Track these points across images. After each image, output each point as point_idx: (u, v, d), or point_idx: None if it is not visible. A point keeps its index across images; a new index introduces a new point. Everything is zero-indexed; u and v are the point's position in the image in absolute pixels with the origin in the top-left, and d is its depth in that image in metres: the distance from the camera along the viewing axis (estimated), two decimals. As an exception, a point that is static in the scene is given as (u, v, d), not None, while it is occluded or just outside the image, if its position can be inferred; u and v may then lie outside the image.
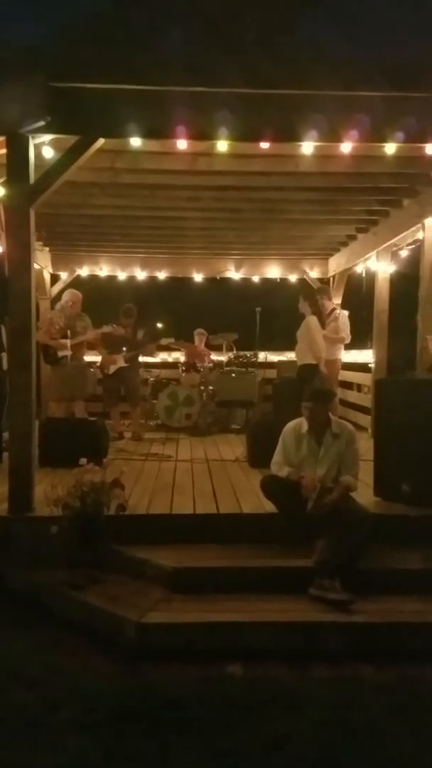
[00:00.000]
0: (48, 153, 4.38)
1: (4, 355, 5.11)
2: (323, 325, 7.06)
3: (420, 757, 2.50)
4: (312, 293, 7.39)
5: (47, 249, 9.04)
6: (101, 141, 4.15)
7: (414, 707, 2.87)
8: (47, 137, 4.22)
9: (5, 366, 4.83)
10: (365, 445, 4.76)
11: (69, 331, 6.88)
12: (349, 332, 7.67)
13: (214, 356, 9.34)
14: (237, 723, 2.69)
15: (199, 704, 2.82)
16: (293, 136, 4.08)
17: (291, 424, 4.25)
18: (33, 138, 4.08)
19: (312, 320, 6.89)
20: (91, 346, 7.70)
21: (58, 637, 3.39)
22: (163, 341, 9.07)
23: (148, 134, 4.12)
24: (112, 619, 3.38)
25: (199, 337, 9.29)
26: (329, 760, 2.47)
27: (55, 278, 9.70)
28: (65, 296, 7.38)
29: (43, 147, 4.34)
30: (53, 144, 4.36)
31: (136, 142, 4.36)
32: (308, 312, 6.92)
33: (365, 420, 7.83)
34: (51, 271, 9.49)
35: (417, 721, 2.76)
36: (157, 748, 2.51)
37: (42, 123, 3.89)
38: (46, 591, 3.69)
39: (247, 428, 6.99)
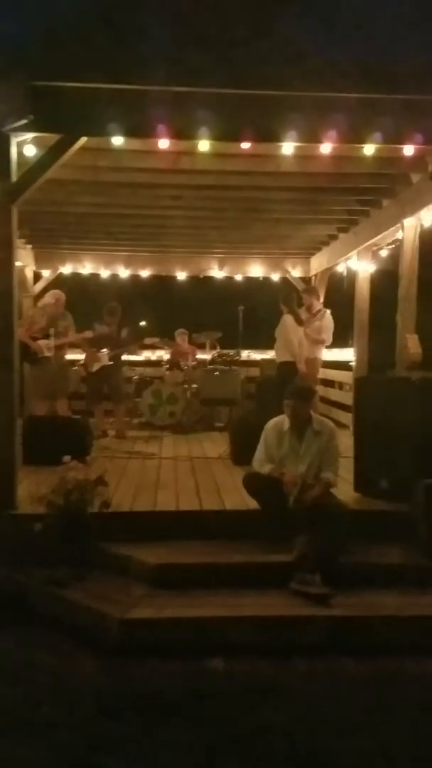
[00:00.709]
0: (30, 151, 4.38)
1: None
2: (301, 323, 7.14)
3: (397, 749, 2.55)
4: (289, 296, 7.47)
5: (30, 247, 9.00)
6: (84, 140, 4.17)
7: (392, 700, 2.93)
8: (29, 135, 4.21)
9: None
10: (346, 442, 4.83)
11: (51, 330, 6.83)
12: (331, 335, 7.76)
13: (199, 354, 9.37)
14: (218, 716, 2.73)
15: (181, 698, 2.85)
16: (272, 136, 4.13)
17: (273, 422, 4.30)
18: (15, 136, 4.09)
19: (287, 319, 6.99)
20: (75, 345, 7.67)
21: (42, 635, 3.40)
22: (147, 340, 9.10)
23: (129, 133, 4.14)
24: (96, 615, 3.40)
25: (181, 337, 9.32)
26: (307, 752, 2.51)
27: (37, 276, 9.67)
28: (47, 297, 7.33)
29: (26, 145, 4.33)
30: (36, 142, 4.36)
31: (118, 140, 4.38)
32: (285, 311, 7.03)
33: (346, 417, 7.90)
34: (34, 268, 9.45)
35: (394, 713, 2.81)
36: (140, 742, 2.54)
37: (24, 121, 3.90)
38: (29, 589, 3.70)
39: (230, 426, 7.03)
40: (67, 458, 4.08)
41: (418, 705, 2.89)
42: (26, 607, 3.63)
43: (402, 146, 4.44)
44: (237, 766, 2.42)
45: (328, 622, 3.39)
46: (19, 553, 3.85)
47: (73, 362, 7.97)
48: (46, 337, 6.80)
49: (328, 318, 7.78)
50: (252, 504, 4.27)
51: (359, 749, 2.54)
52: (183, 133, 4.12)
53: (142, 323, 8.81)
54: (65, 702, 2.80)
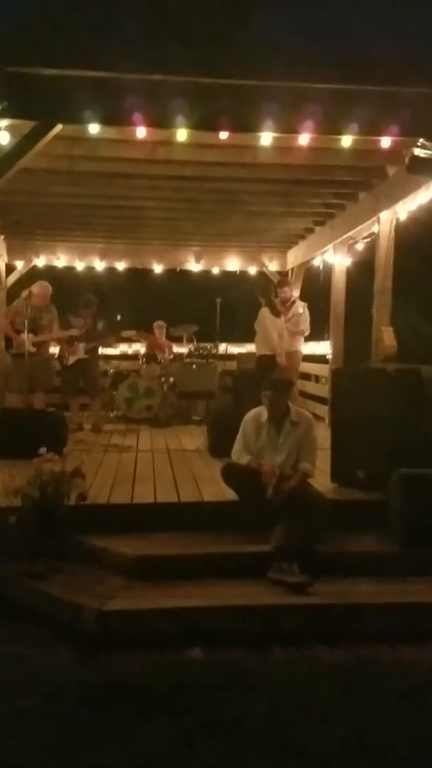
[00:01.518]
0: (4, 139, 4.30)
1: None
2: (279, 315, 7.16)
3: (373, 735, 2.57)
4: (266, 288, 7.48)
5: (2, 237, 8.86)
6: (59, 127, 4.11)
7: (368, 687, 2.95)
8: (3, 122, 4.14)
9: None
10: (323, 434, 4.86)
11: (31, 323, 6.69)
12: (308, 325, 7.79)
13: (175, 348, 9.33)
14: (197, 706, 2.72)
15: (159, 689, 2.84)
16: (249, 126, 4.13)
17: (251, 413, 4.31)
18: (-12, 123, 4.02)
19: (265, 311, 7.00)
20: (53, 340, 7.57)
21: (18, 628, 3.35)
22: (124, 333, 9.03)
23: (104, 121, 4.10)
24: (72, 607, 3.37)
25: (159, 330, 9.27)
26: (284, 739, 2.52)
27: (10, 268, 9.52)
28: (34, 287, 7.18)
29: (0, 132, 4.26)
30: (10, 130, 4.28)
31: (94, 129, 4.33)
32: (263, 303, 7.04)
33: (323, 410, 7.96)
34: (6, 260, 9.30)
35: (370, 700, 2.83)
36: (119, 732, 2.52)
37: (-3, 108, 3.82)
38: (4, 582, 3.65)
39: (208, 419, 7.03)
40: (42, 450, 4.02)
41: (394, 692, 2.92)
42: (2, 601, 3.57)
43: (378, 138, 4.46)
44: (216, 754, 2.42)
45: (306, 611, 3.40)
46: (-6, 547, 3.79)
47: (51, 355, 7.88)
48: (31, 331, 6.64)
49: (304, 308, 7.80)
50: (230, 495, 4.27)
51: (336, 736, 2.55)
52: (159, 121, 4.09)
53: (119, 317, 8.71)
54: (43, 694, 2.76)
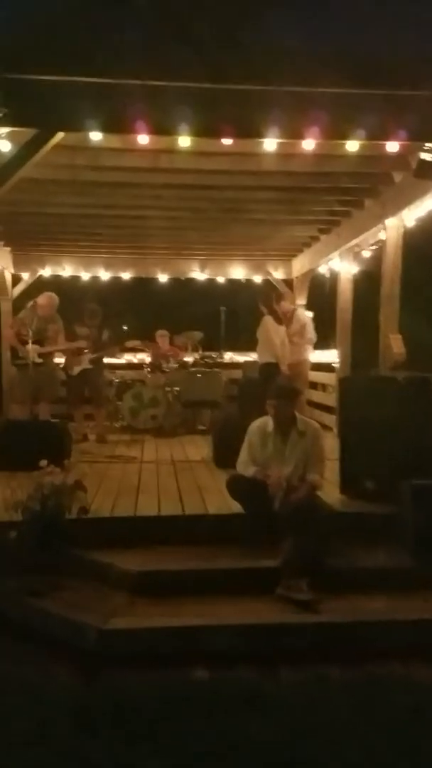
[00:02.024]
0: (5, 147, 4.26)
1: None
2: (281, 322, 7.09)
3: (385, 758, 2.46)
4: (268, 296, 7.42)
5: (8, 249, 8.85)
6: (60, 135, 4.06)
7: (379, 707, 2.85)
8: (4, 130, 4.10)
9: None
10: (330, 444, 4.76)
11: (36, 334, 6.64)
12: (313, 332, 7.70)
13: (181, 355, 9.27)
14: (198, 728, 2.62)
15: (160, 710, 2.74)
16: (253, 132, 4.06)
17: (257, 423, 4.22)
18: (-12, 131, 3.97)
19: (267, 320, 6.94)
20: (63, 352, 7.53)
21: (15, 646, 3.26)
22: (128, 343, 8.98)
23: (106, 128, 4.05)
24: (73, 626, 3.27)
25: (162, 339, 9.21)
26: (291, 764, 2.42)
27: (17, 279, 9.51)
28: (40, 298, 7.15)
29: (1, 140, 4.21)
30: (11, 137, 4.23)
31: (96, 137, 4.29)
32: (265, 312, 6.98)
33: (330, 419, 7.85)
34: (12, 271, 9.29)
35: (382, 721, 2.73)
36: (117, 758, 2.42)
37: (-2, 115, 3.78)
38: (4, 598, 3.56)
39: (213, 428, 6.94)
40: (43, 463, 3.94)
41: (406, 712, 2.81)
42: (0, 618, 3.48)
43: (384, 144, 4.40)
44: (220, 781, 2.32)
45: (315, 629, 3.30)
46: (-6, 562, 3.70)
47: (56, 365, 7.83)
48: (36, 342, 6.59)
49: (305, 317, 7.71)
50: (236, 507, 4.17)
51: (346, 760, 2.45)
52: (161, 128, 4.04)
53: (125, 328, 8.66)
54: (40, 717, 2.66)
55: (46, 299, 7.03)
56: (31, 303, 7.12)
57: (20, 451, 5.12)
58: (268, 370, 6.79)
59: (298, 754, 2.49)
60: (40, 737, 2.51)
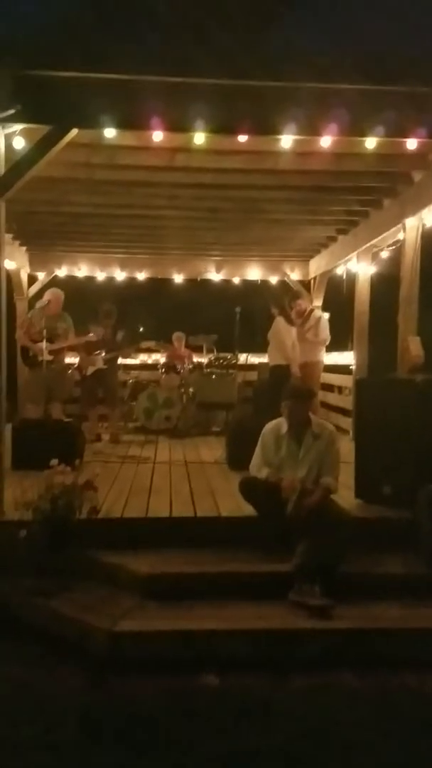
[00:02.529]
0: (19, 144, 4.24)
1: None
2: (293, 324, 7.01)
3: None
4: (279, 297, 7.34)
5: (24, 249, 8.87)
6: (74, 132, 4.02)
7: (393, 717, 2.78)
8: (18, 127, 4.07)
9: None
10: (346, 447, 4.67)
11: (49, 334, 6.65)
12: (328, 333, 7.61)
13: (195, 358, 9.22)
14: (207, 737, 2.57)
15: (169, 717, 2.69)
16: (270, 129, 3.99)
17: (270, 425, 4.15)
18: (3, 128, 3.95)
19: (279, 321, 6.86)
20: (71, 348, 7.52)
21: (23, 648, 3.23)
22: (144, 344, 8.96)
23: (121, 125, 4.00)
24: (82, 628, 3.23)
25: (178, 341, 9.18)
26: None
27: (32, 279, 9.53)
28: (46, 294, 7.17)
29: (15, 137, 4.19)
30: (25, 134, 4.21)
31: (111, 134, 4.26)
32: (276, 313, 6.90)
33: (346, 422, 7.76)
34: (29, 271, 9.31)
35: (395, 731, 2.66)
36: (123, 764, 2.37)
37: (11, 111, 3.75)
38: (13, 598, 3.53)
39: (227, 430, 6.88)
40: (54, 462, 3.91)
41: (421, 722, 2.74)
42: (8, 618, 3.45)
43: (404, 142, 4.31)
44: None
45: (328, 635, 3.23)
46: (3, 562, 3.67)
47: (68, 365, 7.84)
48: (48, 340, 6.60)
49: (321, 317, 7.62)
50: (248, 510, 4.10)
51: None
52: (178, 125, 3.98)
53: (141, 329, 8.63)
54: (44, 721, 2.62)
55: (51, 295, 7.03)
56: (38, 304, 7.13)
57: (34, 451, 5.10)
58: (279, 372, 6.72)
59: (308, 764, 2.42)
60: (45, 742, 2.47)
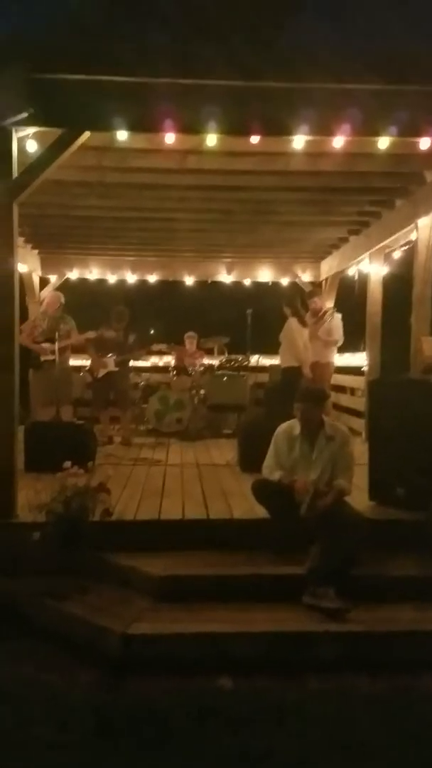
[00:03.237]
0: (32, 147, 4.26)
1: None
2: (305, 325, 6.98)
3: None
4: (292, 297, 7.31)
5: (36, 252, 8.91)
6: (86, 135, 4.04)
7: (409, 720, 2.75)
8: (30, 130, 4.09)
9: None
10: (359, 449, 4.64)
11: (49, 333, 6.70)
12: (341, 334, 7.58)
13: (206, 359, 9.22)
14: (220, 738, 2.56)
15: (182, 719, 2.68)
16: (282, 129, 3.98)
17: (283, 426, 4.13)
18: (16, 131, 3.97)
19: (292, 322, 6.83)
20: (80, 350, 7.54)
21: (37, 649, 3.23)
22: (155, 347, 8.97)
23: (133, 127, 4.01)
24: (96, 629, 3.23)
25: (190, 341, 9.17)
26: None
27: (44, 282, 9.56)
28: (45, 297, 7.27)
29: (27, 141, 4.21)
30: (37, 138, 4.23)
31: (122, 136, 4.26)
32: (289, 314, 6.88)
33: (358, 424, 7.72)
34: (40, 274, 9.34)
35: (410, 734, 2.63)
36: (135, 765, 2.36)
37: (24, 115, 3.77)
38: (26, 600, 3.54)
39: (239, 432, 6.86)
40: (67, 464, 3.92)
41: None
42: (22, 621, 3.46)
43: (416, 142, 4.27)
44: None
45: (342, 638, 3.21)
46: (17, 564, 3.68)
47: (79, 368, 7.85)
48: (49, 340, 6.67)
49: (336, 318, 7.60)
50: (261, 512, 4.09)
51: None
52: (190, 127, 3.98)
53: (152, 331, 8.64)
54: (60, 722, 2.62)
55: (51, 297, 7.09)
56: (41, 308, 7.21)
57: (46, 453, 5.12)
58: (291, 374, 6.69)
59: (323, 766, 2.40)
60: (59, 743, 2.46)
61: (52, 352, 6.64)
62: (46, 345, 6.65)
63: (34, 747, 2.45)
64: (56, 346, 6.66)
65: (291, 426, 4.09)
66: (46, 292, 7.21)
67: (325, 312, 7.58)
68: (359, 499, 4.28)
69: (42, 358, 6.70)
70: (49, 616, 3.43)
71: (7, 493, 4.05)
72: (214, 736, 2.56)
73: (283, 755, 2.44)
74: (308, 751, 2.48)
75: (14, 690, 2.84)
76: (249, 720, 2.68)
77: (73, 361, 7.58)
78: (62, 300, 7.30)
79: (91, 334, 7.23)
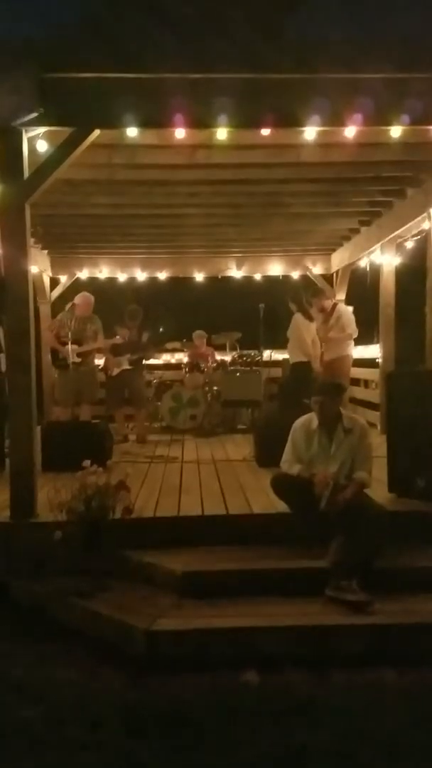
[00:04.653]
0: (42, 147, 4.26)
1: (2, 357, 4.97)
2: (312, 320, 6.95)
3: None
4: (297, 293, 7.29)
5: (46, 252, 8.93)
6: (97, 133, 4.02)
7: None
8: (41, 130, 4.09)
9: (3, 368, 4.70)
10: (375, 441, 4.61)
11: (76, 334, 6.68)
12: (354, 327, 7.53)
13: (218, 356, 9.20)
14: (252, 735, 2.55)
15: (211, 716, 2.67)
16: (294, 121, 3.94)
17: (300, 420, 4.11)
18: (26, 131, 3.96)
19: (297, 317, 6.81)
20: (102, 351, 7.56)
21: (64, 649, 3.24)
22: (169, 345, 8.98)
23: (144, 124, 3.98)
24: (121, 627, 3.24)
25: (200, 340, 9.17)
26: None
27: (55, 282, 9.58)
28: (76, 298, 7.23)
29: (38, 141, 4.21)
30: (47, 137, 4.22)
31: (132, 133, 4.24)
32: (294, 309, 6.86)
33: (373, 416, 7.67)
34: (50, 274, 9.36)
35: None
36: (168, 763, 2.36)
37: (35, 115, 3.76)
38: (50, 600, 3.55)
39: (254, 427, 6.85)
40: (86, 463, 3.92)
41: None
42: (47, 620, 3.47)
43: (428, 130, 4.26)
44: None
45: (368, 631, 3.19)
46: (40, 563, 3.69)
47: (97, 367, 7.87)
48: (75, 343, 6.66)
49: (347, 311, 7.54)
50: (281, 507, 4.08)
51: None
52: (201, 121, 3.95)
53: (161, 329, 8.61)
54: (89, 721, 2.62)
55: (82, 299, 7.10)
56: (69, 305, 7.19)
57: (62, 453, 5.13)
58: (300, 369, 6.67)
59: (352, 762, 2.39)
60: (89, 742, 2.47)
61: (78, 355, 6.63)
62: (71, 347, 6.62)
63: (68, 748, 2.45)
64: (81, 349, 6.65)
65: (309, 420, 4.07)
66: (78, 297, 7.14)
67: (332, 311, 7.48)
68: (378, 491, 4.25)
69: (69, 360, 6.69)
70: (74, 615, 3.44)
71: (28, 493, 4.06)
72: (244, 734, 2.55)
73: (317, 751, 2.43)
74: (341, 746, 2.46)
75: (44, 691, 2.84)
76: (279, 716, 2.67)
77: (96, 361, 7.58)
78: (92, 301, 7.27)
79: (118, 340, 7.24)
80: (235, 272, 9.69)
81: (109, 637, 3.26)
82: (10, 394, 4.06)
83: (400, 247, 7.48)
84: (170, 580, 3.58)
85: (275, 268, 9.65)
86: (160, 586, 3.60)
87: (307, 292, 7.62)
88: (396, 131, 4.22)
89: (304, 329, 6.82)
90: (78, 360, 6.66)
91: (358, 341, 8.05)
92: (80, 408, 6.87)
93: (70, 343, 6.67)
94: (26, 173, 3.99)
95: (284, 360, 9.25)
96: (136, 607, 3.39)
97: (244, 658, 3.07)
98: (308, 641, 3.18)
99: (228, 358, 9.06)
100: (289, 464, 4.04)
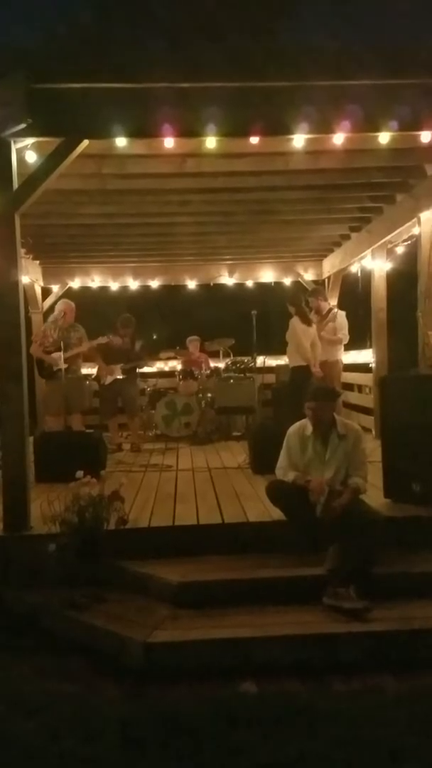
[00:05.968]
0: (31, 157, 4.25)
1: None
2: (310, 323, 6.96)
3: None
4: (295, 296, 7.30)
5: (38, 262, 8.91)
6: (86, 143, 4.02)
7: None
8: (29, 141, 4.08)
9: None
10: (370, 446, 4.61)
11: (63, 344, 6.69)
12: (347, 332, 7.55)
13: (212, 362, 9.19)
14: (250, 745, 2.52)
15: (210, 726, 2.64)
16: (283, 129, 3.96)
17: (295, 427, 4.10)
18: (15, 142, 3.96)
19: (295, 321, 6.81)
20: (88, 358, 7.53)
21: (59, 661, 3.21)
22: (163, 354, 8.95)
23: (133, 134, 3.99)
24: (116, 639, 3.20)
25: (193, 344, 9.15)
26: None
27: (46, 292, 9.56)
28: (58, 306, 7.22)
29: (27, 151, 4.20)
30: (36, 148, 4.22)
31: (121, 143, 4.25)
32: (293, 312, 6.86)
33: (367, 421, 7.68)
34: (42, 284, 9.34)
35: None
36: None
37: (23, 125, 3.76)
38: (45, 612, 3.52)
39: (249, 434, 6.84)
40: (80, 474, 3.89)
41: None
42: (42, 632, 3.44)
43: (417, 136, 4.25)
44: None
45: (366, 638, 3.17)
46: (34, 576, 3.66)
47: (87, 376, 7.84)
48: (59, 350, 6.65)
49: (341, 316, 7.57)
50: (276, 514, 4.06)
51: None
52: (190, 130, 3.96)
53: (154, 336, 8.57)
54: (86, 733, 2.59)
55: (65, 306, 7.06)
56: (51, 317, 7.17)
57: (56, 463, 5.11)
58: (300, 373, 6.66)
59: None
60: (90, 756, 2.43)
61: (65, 361, 6.62)
62: (56, 354, 6.63)
63: (66, 761, 2.41)
64: (66, 354, 6.63)
65: (302, 426, 4.06)
66: (61, 305, 7.12)
67: (329, 311, 7.55)
68: (374, 496, 4.24)
69: (55, 368, 6.68)
70: (70, 627, 3.41)
71: (21, 505, 4.03)
72: (244, 743, 2.52)
73: (316, 760, 2.40)
74: (340, 754, 2.44)
75: (41, 704, 2.80)
76: (277, 725, 2.65)
77: (83, 370, 7.56)
78: (73, 307, 7.25)
79: (102, 340, 7.20)
80: (227, 279, 9.70)
81: (105, 649, 3.22)
82: (2, 405, 4.03)
83: (390, 252, 7.51)
84: (166, 590, 3.55)
85: (267, 274, 9.67)
86: (155, 596, 3.57)
87: (306, 293, 7.64)
88: (385, 137, 4.24)
89: (302, 333, 6.80)
90: (65, 366, 6.64)
91: (352, 346, 8.07)
92: (71, 417, 6.84)
93: (55, 351, 6.67)
94: (15, 184, 3.99)
95: (278, 366, 9.26)
96: (132, 618, 3.35)
97: (242, 668, 3.05)
98: (306, 649, 3.15)
99: (221, 365, 9.05)
100: (284, 471, 4.03)
